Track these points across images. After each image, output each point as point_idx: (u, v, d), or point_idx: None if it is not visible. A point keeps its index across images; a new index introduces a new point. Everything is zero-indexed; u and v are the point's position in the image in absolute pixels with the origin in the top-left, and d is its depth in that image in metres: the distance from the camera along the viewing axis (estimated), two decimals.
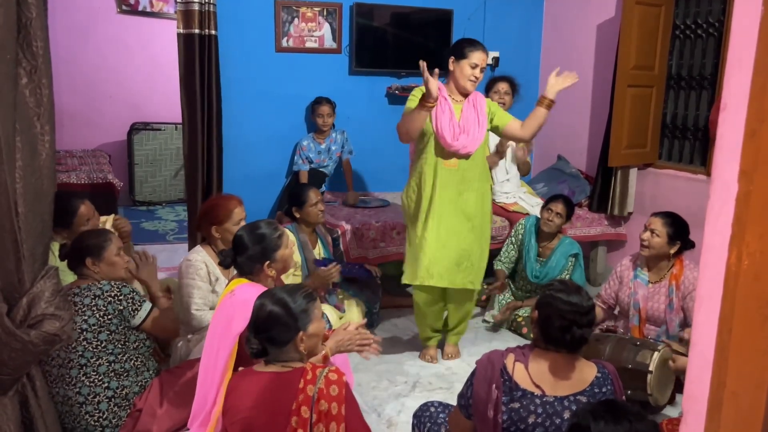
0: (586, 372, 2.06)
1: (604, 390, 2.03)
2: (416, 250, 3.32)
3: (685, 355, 2.66)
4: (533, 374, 2.03)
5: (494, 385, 2.02)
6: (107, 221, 3.37)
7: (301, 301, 2.05)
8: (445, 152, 3.24)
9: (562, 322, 2.01)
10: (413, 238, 3.37)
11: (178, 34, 3.90)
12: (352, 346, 2.41)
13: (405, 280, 3.41)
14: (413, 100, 3.22)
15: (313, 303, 2.08)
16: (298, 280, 3.66)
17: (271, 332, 2.01)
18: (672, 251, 3.22)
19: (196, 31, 3.89)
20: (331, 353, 2.33)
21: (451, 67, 3.27)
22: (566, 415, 1.97)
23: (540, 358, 2.06)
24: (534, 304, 2.16)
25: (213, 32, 3.98)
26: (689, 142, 4.47)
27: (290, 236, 3.62)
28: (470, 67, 3.20)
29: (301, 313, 2.03)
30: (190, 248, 4.03)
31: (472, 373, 2.12)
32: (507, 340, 3.84)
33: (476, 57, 3.19)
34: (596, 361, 2.15)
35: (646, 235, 3.24)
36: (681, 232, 3.23)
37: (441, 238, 3.27)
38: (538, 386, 2.02)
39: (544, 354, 2.06)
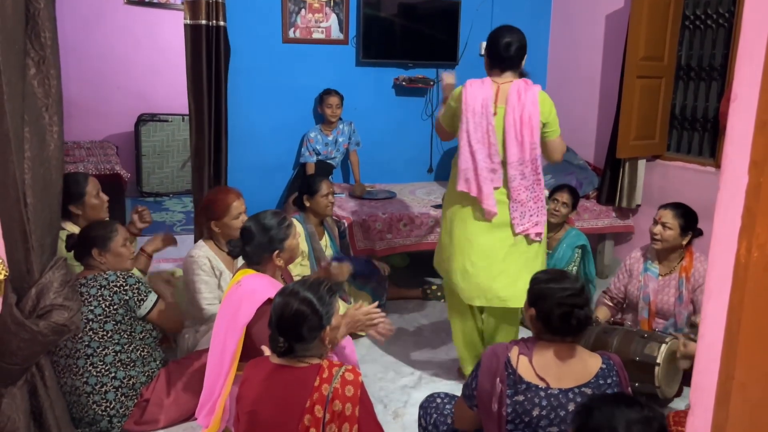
0: (590, 363, 2.05)
1: (609, 381, 2.02)
2: None
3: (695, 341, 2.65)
4: (537, 367, 2.03)
5: (498, 379, 2.01)
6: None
7: (325, 297, 2.03)
8: None
9: (563, 309, 2.00)
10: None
11: (185, 25, 3.89)
12: (363, 325, 2.41)
13: None
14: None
15: (334, 297, 2.08)
16: (305, 269, 3.67)
17: (298, 331, 1.98)
18: (684, 242, 3.21)
19: (203, 22, 3.89)
20: (342, 336, 2.34)
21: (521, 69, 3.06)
22: (571, 407, 1.97)
23: (544, 350, 2.05)
24: (525, 303, 2.14)
25: (222, 23, 3.96)
26: (698, 134, 4.44)
27: (297, 226, 3.64)
28: None
29: (326, 308, 2.02)
30: (196, 240, 4.04)
31: (477, 365, 2.11)
32: None
33: None
34: (601, 352, 2.14)
35: (658, 228, 3.21)
36: (692, 222, 3.21)
37: None
38: (542, 379, 2.01)
39: (549, 346, 2.05)
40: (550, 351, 2.05)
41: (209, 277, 3.11)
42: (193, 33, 3.89)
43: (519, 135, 2.85)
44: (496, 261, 2.98)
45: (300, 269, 3.61)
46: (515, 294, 2.94)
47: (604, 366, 2.05)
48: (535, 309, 2.06)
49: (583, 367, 2.04)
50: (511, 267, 2.98)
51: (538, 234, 2.99)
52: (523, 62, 2.97)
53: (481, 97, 2.87)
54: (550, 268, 2.27)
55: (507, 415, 2.00)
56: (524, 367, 2.03)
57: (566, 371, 2.02)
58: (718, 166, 4.12)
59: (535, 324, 2.08)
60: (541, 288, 2.07)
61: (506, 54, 2.91)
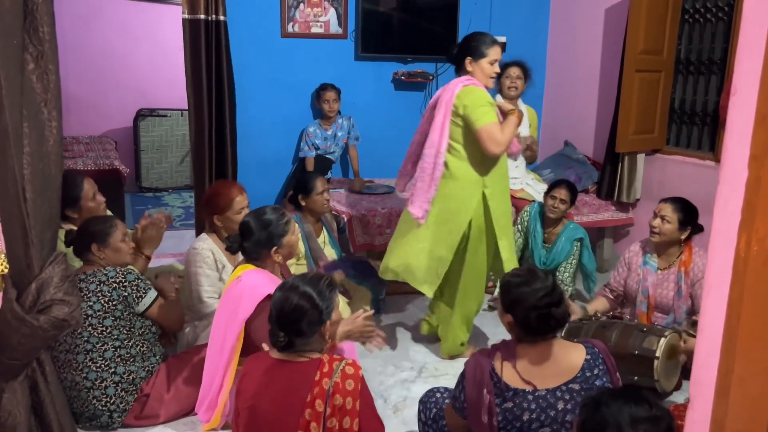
0: (574, 357, 2.03)
1: (596, 372, 2.00)
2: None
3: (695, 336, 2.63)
4: (522, 371, 2.00)
5: (485, 390, 1.99)
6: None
7: (325, 291, 2.04)
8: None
9: (539, 312, 1.97)
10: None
11: (184, 20, 3.87)
12: (357, 337, 2.42)
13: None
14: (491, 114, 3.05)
15: (335, 291, 2.09)
16: (303, 269, 3.67)
17: (298, 326, 1.99)
18: (683, 237, 3.22)
19: (202, 16, 3.87)
20: (339, 341, 2.34)
21: (469, 68, 3.12)
22: (560, 405, 1.96)
23: (526, 352, 2.03)
24: (499, 310, 2.12)
25: (222, 18, 3.94)
26: (697, 128, 4.44)
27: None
28: (490, 64, 3.11)
29: (326, 302, 2.03)
30: (197, 235, 4.04)
31: (462, 376, 2.10)
32: None
33: (496, 52, 3.11)
34: (584, 340, 2.13)
35: (657, 221, 3.22)
36: (691, 217, 3.22)
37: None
38: (528, 383, 1.99)
39: (530, 347, 2.03)
40: (532, 352, 2.03)
41: (211, 271, 3.11)
42: (191, 28, 3.88)
43: (433, 125, 3.14)
44: (401, 232, 3.30)
45: (296, 269, 3.60)
46: (400, 265, 3.25)
47: (588, 356, 2.03)
48: (512, 315, 2.04)
49: (567, 362, 2.02)
50: (407, 239, 3.25)
51: (416, 215, 3.14)
52: (466, 61, 3.12)
53: (438, 94, 3.23)
54: (517, 269, 2.23)
55: (498, 424, 1.99)
56: (509, 374, 2.01)
57: (551, 370, 2.01)
58: (717, 160, 4.12)
59: (514, 329, 2.06)
60: (513, 294, 2.03)
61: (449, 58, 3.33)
